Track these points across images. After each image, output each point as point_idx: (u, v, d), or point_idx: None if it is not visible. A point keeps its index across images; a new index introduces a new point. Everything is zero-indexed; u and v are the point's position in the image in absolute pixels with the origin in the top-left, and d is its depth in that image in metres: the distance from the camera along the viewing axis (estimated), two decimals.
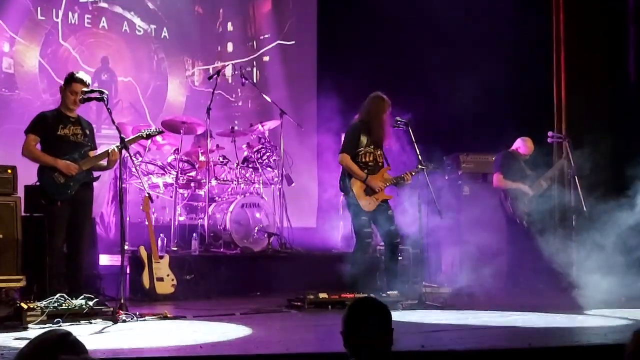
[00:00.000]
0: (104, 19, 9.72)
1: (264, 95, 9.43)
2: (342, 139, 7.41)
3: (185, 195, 8.59)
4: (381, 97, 7.09)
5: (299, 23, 11.01)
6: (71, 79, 6.20)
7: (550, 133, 8.58)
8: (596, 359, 4.33)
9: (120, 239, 5.89)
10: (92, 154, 6.31)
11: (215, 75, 8.81)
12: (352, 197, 7.02)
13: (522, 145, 8.63)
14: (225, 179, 8.68)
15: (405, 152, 7.54)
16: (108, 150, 6.20)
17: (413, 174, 7.12)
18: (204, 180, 8.46)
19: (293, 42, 10.86)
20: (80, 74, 6.27)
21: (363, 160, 7.05)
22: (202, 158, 8.55)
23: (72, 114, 6.27)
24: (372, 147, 7.08)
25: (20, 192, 6.94)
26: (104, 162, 6.29)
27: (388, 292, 6.76)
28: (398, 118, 7.11)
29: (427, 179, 7.06)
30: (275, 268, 8.20)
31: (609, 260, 7.86)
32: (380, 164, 7.14)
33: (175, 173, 8.29)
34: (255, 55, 10.79)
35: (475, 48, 9.78)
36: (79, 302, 5.51)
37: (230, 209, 8.33)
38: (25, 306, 5.28)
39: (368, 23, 10.01)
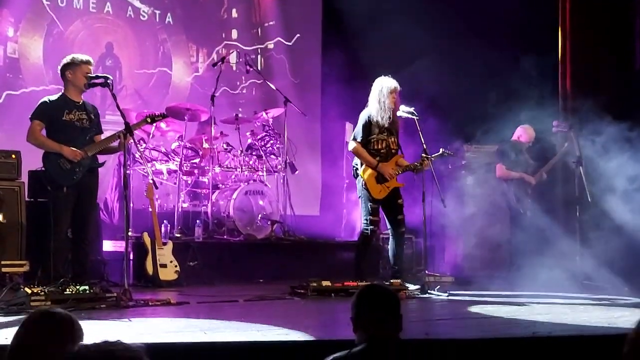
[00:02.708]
0: (108, 4, 9.68)
1: (268, 83, 9.41)
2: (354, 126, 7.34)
3: (189, 182, 8.59)
4: (384, 80, 7.02)
5: (304, 10, 10.96)
6: (80, 61, 6.18)
7: (555, 122, 8.56)
8: (600, 348, 4.33)
9: (125, 225, 5.89)
10: (97, 139, 6.30)
11: (220, 62, 8.80)
12: (362, 184, 7.00)
13: (523, 133, 8.62)
14: (229, 166, 8.68)
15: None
16: (116, 134, 6.17)
17: (432, 159, 7.05)
18: (208, 167, 8.46)
19: (297, 35, 10.81)
20: (85, 56, 6.27)
21: (375, 147, 7.00)
22: (206, 145, 8.55)
23: (77, 99, 6.25)
24: (385, 134, 7.03)
25: (24, 177, 6.96)
26: (115, 144, 6.24)
27: (391, 281, 6.77)
28: (404, 107, 7.07)
29: (432, 169, 7.04)
30: (278, 255, 8.23)
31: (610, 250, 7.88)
32: (393, 150, 7.08)
33: (179, 160, 8.29)
34: (259, 43, 10.76)
35: (479, 38, 9.74)
36: (83, 287, 5.51)
37: (234, 196, 8.33)
38: (29, 291, 5.29)
39: (373, 10, 9.97)
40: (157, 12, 10.05)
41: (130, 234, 6.19)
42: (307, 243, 8.71)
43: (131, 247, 6.65)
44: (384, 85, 6.98)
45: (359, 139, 7.00)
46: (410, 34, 9.65)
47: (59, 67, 6.28)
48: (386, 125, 6.99)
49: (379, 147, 7.01)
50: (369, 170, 6.96)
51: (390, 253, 7.17)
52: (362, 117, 7.06)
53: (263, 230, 8.44)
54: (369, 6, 9.95)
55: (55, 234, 6.05)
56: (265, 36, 10.78)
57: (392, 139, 7.07)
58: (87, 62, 6.20)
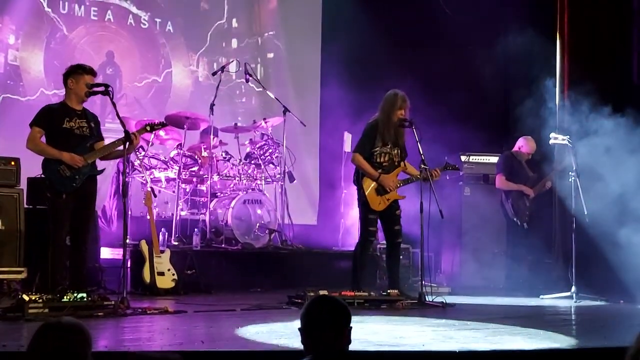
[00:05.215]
0: (109, 11, 9.71)
1: (267, 92, 9.44)
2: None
3: (188, 190, 8.60)
4: (395, 93, 7.01)
5: (304, 21, 10.99)
6: (83, 70, 6.20)
7: (552, 134, 8.58)
8: None
9: (123, 233, 5.89)
10: (97, 146, 6.31)
11: (220, 71, 8.82)
12: (362, 195, 7.00)
13: (524, 144, 8.65)
14: (227, 174, 8.69)
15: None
16: (115, 141, 6.18)
17: (435, 175, 7.03)
18: (207, 176, 8.47)
19: (297, 45, 10.84)
20: (89, 66, 6.30)
21: (378, 160, 6.99)
22: (205, 153, 8.57)
23: (78, 107, 6.26)
24: (389, 146, 7.03)
25: (23, 185, 6.97)
26: (120, 148, 6.19)
27: (389, 291, 6.78)
28: (401, 117, 7.08)
29: (430, 179, 7.04)
30: (276, 265, 8.24)
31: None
32: (396, 163, 7.09)
33: (178, 168, 8.30)
34: (259, 52, 10.79)
35: (477, 48, 9.80)
36: (80, 295, 5.51)
37: (232, 204, 8.34)
38: (27, 298, 5.28)
39: (372, 20, 10.02)
40: (158, 20, 10.08)
41: (128, 241, 6.19)
42: (304, 252, 8.72)
43: (129, 254, 6.66)
44: (394, 99, 6.99)
45: (360, 151, 7.01)
46: (410, 40, 9.73)
47: (62, 74, 6.30)
48: (391, 139, 7.01)
49: (382, 160, 7.01)
50: (371, 182, 6.97)
51: (387, 263, 7.19)
52: (368, 128, 7.07)
53: (261, 239, 8.45)
54: (370, 16, 10.00)
55: (53, 241, 6.05)
56: (265, 46, 10.81)
57: (396, 151, 7.06)
58: (91, 72, 6.21)
